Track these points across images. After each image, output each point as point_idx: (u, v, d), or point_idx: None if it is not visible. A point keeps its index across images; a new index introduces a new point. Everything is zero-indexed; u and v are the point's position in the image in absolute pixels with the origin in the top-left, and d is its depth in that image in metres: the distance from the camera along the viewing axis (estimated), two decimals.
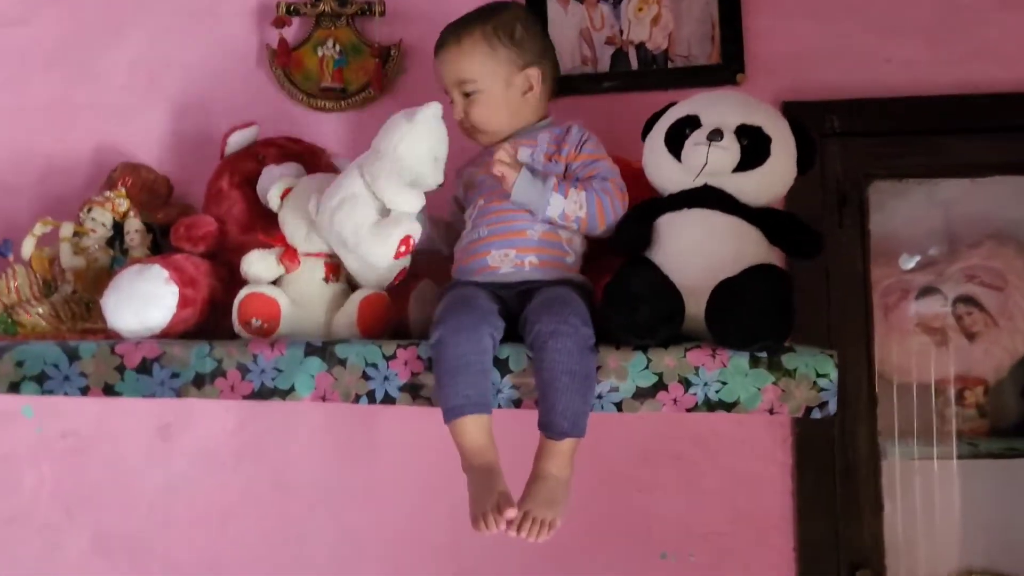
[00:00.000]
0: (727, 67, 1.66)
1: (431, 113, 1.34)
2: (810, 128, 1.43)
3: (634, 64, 1.70)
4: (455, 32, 1.43)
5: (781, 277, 1.25)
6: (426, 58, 1.69)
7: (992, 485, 1.70)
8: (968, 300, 1.74)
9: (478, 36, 1.41)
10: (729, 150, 1.29)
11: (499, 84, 1.41)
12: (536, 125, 1.45)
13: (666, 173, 1.36)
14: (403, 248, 1.32)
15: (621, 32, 1.70)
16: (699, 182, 1.32)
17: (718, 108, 1.34)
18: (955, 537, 1.70)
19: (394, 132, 1.35)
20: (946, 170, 1.68)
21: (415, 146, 1.34)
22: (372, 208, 1.33)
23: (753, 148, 1.30)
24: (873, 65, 1.65)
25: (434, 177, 1.37)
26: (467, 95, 1.42)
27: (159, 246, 1.57)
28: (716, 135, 1.29)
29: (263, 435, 1.71)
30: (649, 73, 1.69)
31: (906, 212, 1.74)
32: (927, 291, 1.75)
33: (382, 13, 1.72)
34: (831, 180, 1.62)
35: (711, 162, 1.29)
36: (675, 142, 1.34)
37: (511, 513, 1.12)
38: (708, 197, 1.31)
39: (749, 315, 1.20)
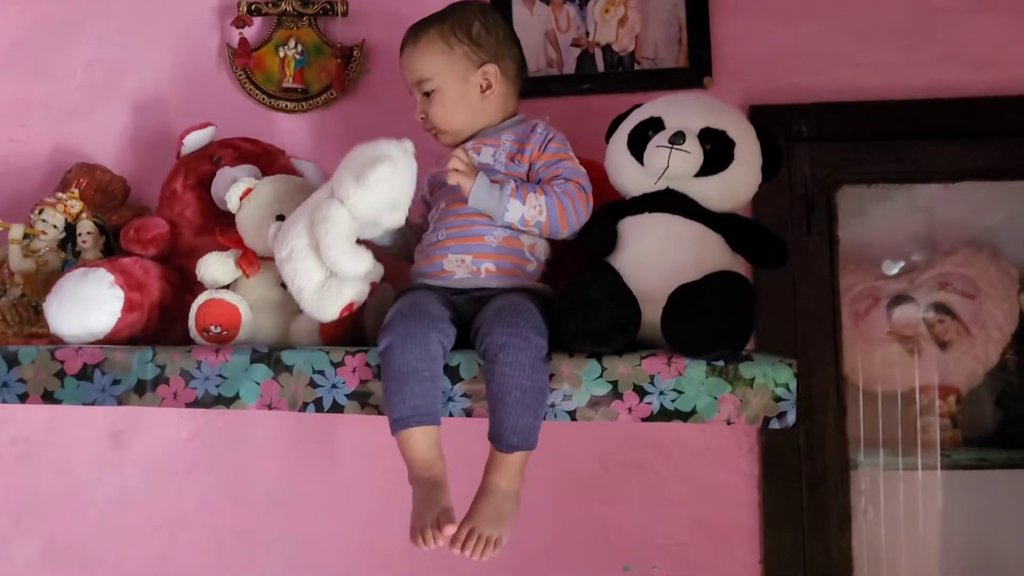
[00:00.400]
0: (694, 70, 1.64)
1: (383, 174, 1.22)
2: (778, 132, 1.42)
3: (600, 66, 1.67)
4: (414, 32, 1.41)
5: (741, 284, 1.22)
6: (390, 59, 1.66)
7: (965, 497, 1.67)
8: (941, 308, 1.71)
9: (434, 34, 1.38)
10: (691, 154, 1.26)
11: (455, 82, 1.38)
12: (501, 124, 1.41)
13: (628, 176, 1.33)
14: (346, 312, 1.27)
15: (587, 34, 1.67)
16: (661, 186, 1.29)
17: (682, 110, 1.31)
18: (926, 551, 1.67)
19: (345, 185, 1.22)
20: (917, 176, 1.65)
21: (366, 206, 1.24)
22: (317, 267, 1.26)
23: (716, 152, 1.27)
24: (843, 69, 1.63)
25: (392, 221, 1.29)
26: (427, 94, 1.39)
27: (112, 249, 1.54)
28: (678, 138, 1.26)
29: (218, 443, 1.68)
30: (615, 75, 1.66)
31: (876, 218, 1.71)
32: (899, 299, 1.72)
33: (344, 13, 1.69)
34: (798, 185, 1.59)
35: (672, 165, 1.26)
36: (638, 144, 1.31)
37: (450, 530, 1.09)
38: (670, 202, 1.28)
39: (706, 321, 1.17)
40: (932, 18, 1.62)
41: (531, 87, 1.63)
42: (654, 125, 1.31)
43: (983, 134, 1.59)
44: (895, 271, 1.76)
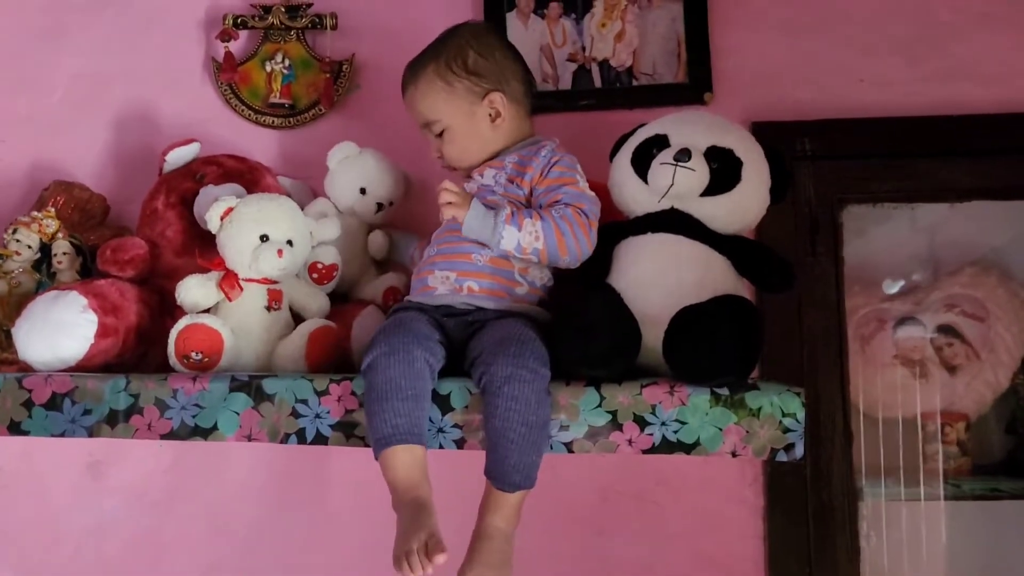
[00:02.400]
0: (694, 86, 1.59)
1: (335, 155, 1.48)
2: (780, 150, 1.36)
3: (597, 82, 1.62)
4: (412, 72, 1.35)
5: (748, 308, 1.16)
6: (380, 74, 1.63)
7: (975, 528, 1.61)
8: (949, 330, 1.66)
9: (431, 74, 1.32)
10: (697, 172, 1.21)
11: (462, 118, 1.32)
12: (511, 147, 1.34)
13: (631, 194, 1.28)
14: (314, 276, 1.39)
15: (584, 49, 1.62)
16: (665, 204, 1.24)
17: (688, 128, 1.27)
18: None
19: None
20: (923, 194, 1.60)
21: (336, 187, 1.49)
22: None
23: (723, 172, 1.22)
24: (847, 85, 1.58)
25: (365, 207, 1.48)
26: (438, 135, 1.34)
27: (90, 270, 1.48)
28: (684, 155, 1.21)
29: (199, 472, 1.61)
30: (613, 91, 1.62)
31: (882, 238, 1.66)
32: (906, 321, 1.67)
33: (334, 27, 1.64)
34: (803, 204, 1.54)
35: (677, 183, 1.21)
36: (642, 162, 1.26)
37: (440, 559, 1.01)
38: (674, 221, 1.23)
39: (711, 346, 1.11)
40: (937, 32, 1.58)
41: None
42: (659, 143, 1.26)
43: (990, 152, 1.55)
44: (895, 290, 1.71)
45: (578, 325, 1.15)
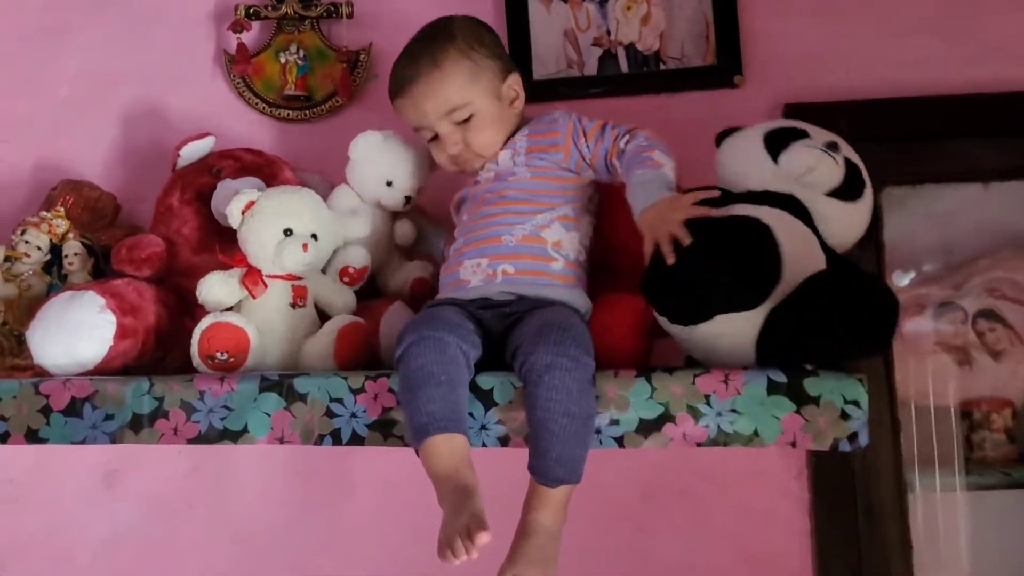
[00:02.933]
0: (724, 69, 1.55)
1: (360, 144, 1.37)
2: None
3: (624, 67, 1.57)
4: (431, 57, 1.25)
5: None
6: None
7: None
8: (990, 315, 1.61)
9: (455, 54, 1.25)
10: (838, 167, 1.17)
11: (490, 100, 1.26)
12: (517, 130, 1.31)
13: (753, 169, 1.21)
14: (345, 279, 1.33)
15: (609, 33, 1.57)
16: (787, 188, 1.17)
17: (825, 134, 1.23)
18: None
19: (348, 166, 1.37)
20: (964, 175, 1.55)
21: (358, 177, 1.38)
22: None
23: (852, 180, 1.18)
24: (881, 65, 1.53)
25: (393, 199, 1.38)
26: (462, 122, 1.26)
27: (102, 271, 1.42)
28: (832, 147, 1.18)
29: (219, 478, 1.54)
30: (640, 76, 1.56)
31: (918, 220, 1.60)
32: (945, 306, 1.62)
33: (350, 15, 1.59)
34: None
35: (818, 170, 1.16)
36: (776, 144, 1.20)
37: (483, 538, 0.93)
38: (791, 206, 1.16)
39: (834, 318, 1.03)
40: (971, 10, 1.53)
41: (549, 90, 1.54)
42: (797, 134, 1.22)
43: None
44: (905, 282, 1.66)
45: (729, 250, 1.05)
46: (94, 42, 1.64)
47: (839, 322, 1.03)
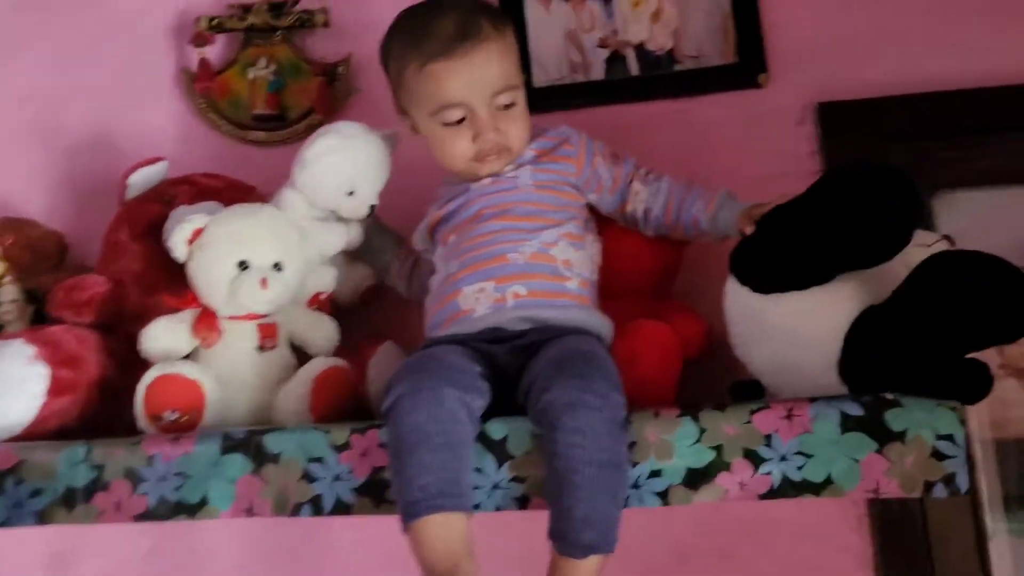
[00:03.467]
0: (746, 67, 1.38)
1: (321, 147, 1.15)
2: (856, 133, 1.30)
3: (634, 69, 1.40)
4: (488, 21, 1.07)
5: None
6: (381, 74, 1.40)
7: None
8: None
9: (511, 32, 1.10)
10: None
11: (523, 90, 1.11)
12: None
13: None
14: (314, 304, 1.18)
15: (616, 32, 1.40)
16: None
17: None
18: None
19: (294, 170, 1.17)
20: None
21: (314, 184, 1.17)
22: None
23: None
24: (925, 54, 1.36)
25: (354, 209, 1.18)
26: (502, 108, 1.08)
27: (44, 319, 1.22)
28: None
29: (185, 558, 1.33)
30: (653, 79, 1.39)
31: (974, 226, 1.42)
32: None
33: (326, 24, 1.42)
34: None
35: None
36: None
37: None
38: None
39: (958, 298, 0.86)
40: None
41: (552, 98, 1.38)
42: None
43: None
44: None
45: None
46: (43, 61, 1.48)
47: (965, 303, 0.85)
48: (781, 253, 0.95)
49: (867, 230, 0.89)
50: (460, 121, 1.07)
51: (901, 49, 1.36)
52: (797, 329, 0.95)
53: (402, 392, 0.87)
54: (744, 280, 0.98)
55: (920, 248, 0.99)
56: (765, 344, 0.99)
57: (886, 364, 0.91)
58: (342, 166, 1.15)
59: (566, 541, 0.84)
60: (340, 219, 1.20)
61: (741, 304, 1.00)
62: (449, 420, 0.86)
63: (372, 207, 1.20)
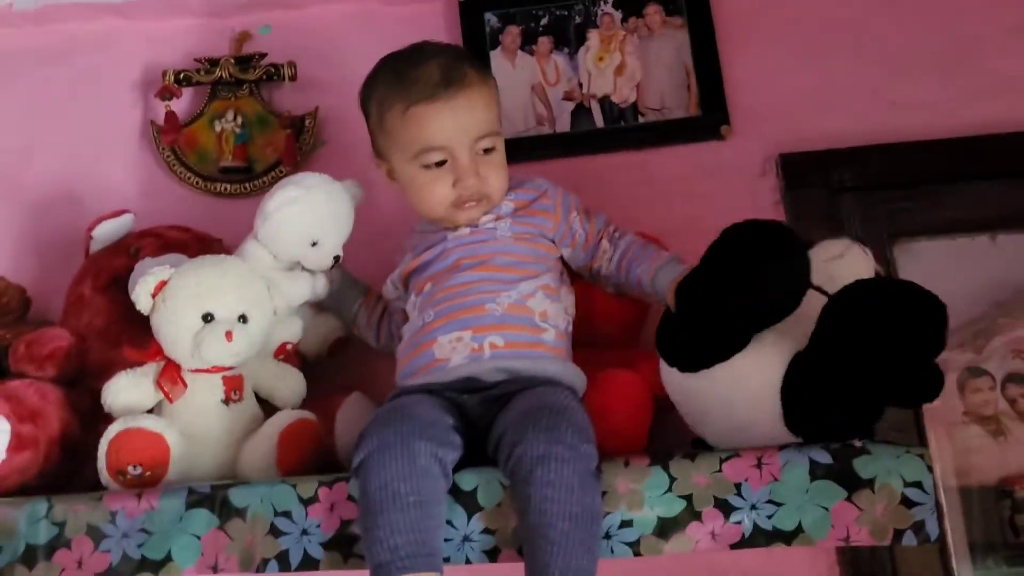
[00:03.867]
0: (708, 119, 1.41)
1: (282, 199, 1.14)
2: (816, 183, 1.34)
3: (599, 122, 1.43)
4: (472, 68, 1.10)
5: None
6: (347, 127, 1.41)
7: None
8: (1020, 379, 1.44)
9: (493, 80, 1.14)
10: None
11: (503, 140, 1.13)
12: None
13: None
14: (280, 355, 1.16)
15: (581, 85, 1.43)
16: None
17: None
18: None
19: (256, 222, 1.17)
20: (970, 223, 1.40)
21: (276, 236, 1.16)
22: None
23: None
24: (877, 108, 1.41)
25: (318, 261, 1.18)
26: (485, 152, 1.09)
27: (5, 373, 1.20)
28: None
29: None
30: (617, 131, 1.42)
31: (931, 275, 1.44)
32: (970, 373, 1.45)
33: (292, 78, 1.43)
34: None
35: None
36: None
37: None
38: None
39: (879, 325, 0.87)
40: (972, 45, 1.42)
41: (519, 150, 1.38)
42: None
43: None
44: None
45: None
46: (6, 116, 1.46)
47: (886, 329, 0.87)
48: (694, 330, 0.95)
49: (762, 290, 0.90)
50: (440, 164, 1.08)
51: (856, 102, 1.40)
52: (734, 398, 0.94)
53: (372, 448, 0.86)
54: (671, 362, 0.98)
55: (832, 262, 1.01)
56: (710, 418, 0.99)
57: (826, 406, 0.92)
58: (304, 217, 1.14)
59: None
60: (305, 270, 1.20)
61: (676, 385, 1.00)
62: (422, 476, 0.86)
63: (336, 258, 1.19)
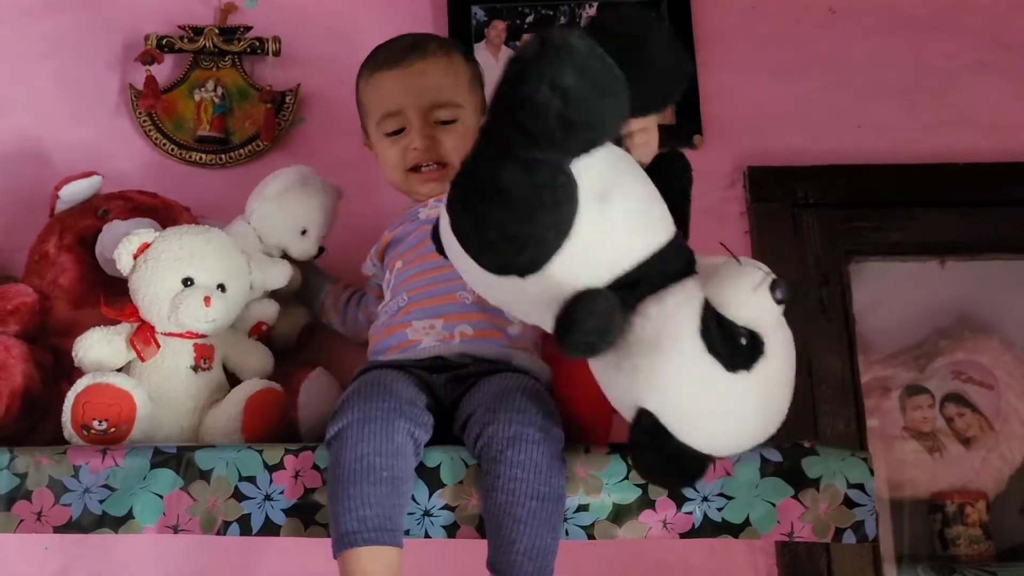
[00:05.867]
0: (682, 128, 1.44)
1: (279, 184, 1.20)
2: (780, 197, 1.39)
3: None
4: (437, 44, 1.15)
5: None
6: (327, 106, 1.44)
7: None
8: (958, 399, 1.50)
9: (463, 57, 1.17)
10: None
11: (474, 119, 1.14)
12: None
13: None
14: (255, 334, 1.18)
15: None
16: None
17: None
18: None
19: (250, 204, 1.22)
20: (921, 247, 1.47)
21: (268, 219, 1.21)
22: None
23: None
24: (843, 130, 1.46)
25: (302, 250, 1.23)
26: (441, 124, 1.12)
27: None
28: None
29: None
30: None
31: (882, 295, 1.50)
32: (912, 390, 1.51)
33: (276, 53, 1.43)
34: (809, 256, 1.39)
35: None
36: None
37: None
38: None
39: None
40: (936, 78, 1.48)
41: None
42: None
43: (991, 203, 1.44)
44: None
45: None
46: None
47: None
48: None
49: None
50: (396, 132, 1.13)
51: (822, 123, 1.46)
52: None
53: (352, 419, 0.88)
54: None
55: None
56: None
57: None
58: (300, 204, 1.20)
59: (507, 573, 0.85)
60: (287, 258, 1.22)
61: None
62: (397, 454, 0.87)
63: (321, 249, 1.24)
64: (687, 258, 0.87)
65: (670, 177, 0.90)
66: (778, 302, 0.82)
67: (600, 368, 0.86)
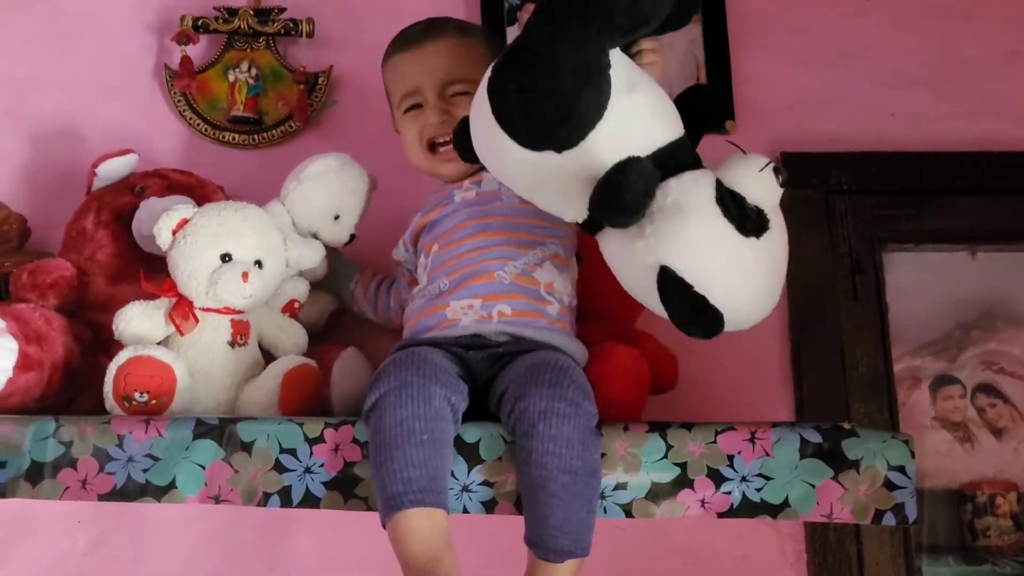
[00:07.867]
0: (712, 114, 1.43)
1: (318, 168, 1.19)
2: (814, 183, 1.39)
3: None
4: (454, 26, 1.17)
5: None
6: (360, 88, 1.44)
7: None
8: (989, 390, 1.50)
9: (481, 37, 1.17)
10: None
11: None
12: None
13: None
14: (287, 311, 1.18)
15: None
16: None
17: None
18: None
19: (286, 186, 1.20)
20: (953, 235, 1.46)
21: (303, 203, 1.20)
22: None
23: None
24: (876, 118, 1.46)
25: (334, 234, 1.22)
26: (455, 97, 1.13)
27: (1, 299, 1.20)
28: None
29: (126, 557, 1.29)
30: None
31: (914, 283, 1.50)
32: (942, 380, 1.50)
33: (310, 34, 1.43)
34: (842, 243, 1.38)
35: None
36: None
37: None
38: None
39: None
40: (966, 67, 1.47)
41: None
42: None
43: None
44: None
45: None
46: (14, 44, 1.44)
47: None
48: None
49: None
50: (413, 108, 1.14)
51: (853, 110, 1.45)
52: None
53: (389, 387, 0.88)
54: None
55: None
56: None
57: None
58: (335, 189, 1.19)
59: (543, 547, 0.86)
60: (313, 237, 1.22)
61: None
62: (436, 418, 0.87)
63: (352, 236, 1.23)
64: (696, 157, 0.95)
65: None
66: (780, 185, 0.91)
67: (619, 241, 0.92)
